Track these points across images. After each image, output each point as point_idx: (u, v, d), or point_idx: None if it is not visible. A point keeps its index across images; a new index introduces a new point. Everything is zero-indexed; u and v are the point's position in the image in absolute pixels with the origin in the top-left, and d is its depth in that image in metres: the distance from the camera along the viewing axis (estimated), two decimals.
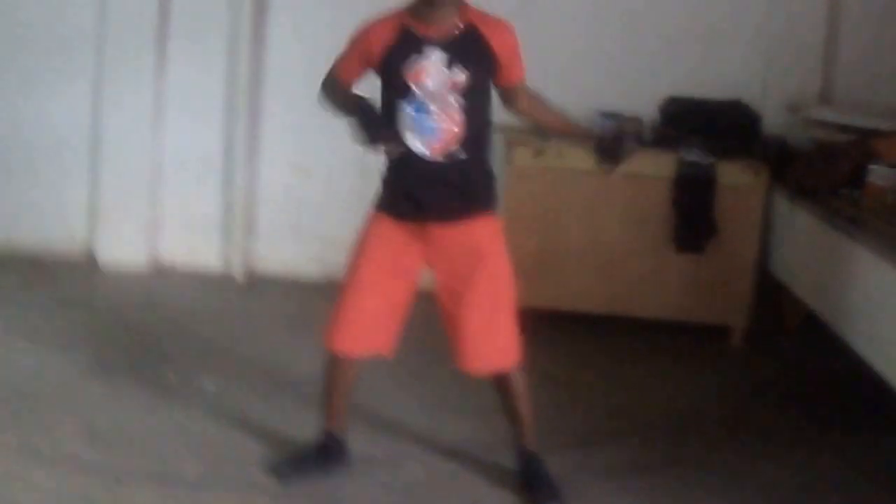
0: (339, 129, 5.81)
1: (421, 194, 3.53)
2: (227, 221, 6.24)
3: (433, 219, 3.56)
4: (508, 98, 3.68)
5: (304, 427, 3.98)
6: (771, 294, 5.55)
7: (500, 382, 3.75)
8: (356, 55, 3.56)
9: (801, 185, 5.08)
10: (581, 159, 5.04)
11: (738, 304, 5.49)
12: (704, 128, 5.45)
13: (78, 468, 3.74)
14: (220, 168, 6.18)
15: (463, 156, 3.50)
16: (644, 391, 4.90)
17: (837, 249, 4.52)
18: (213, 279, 6.19)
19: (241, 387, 4.55)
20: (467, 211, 3.59)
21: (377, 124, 3.50)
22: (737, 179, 5.36)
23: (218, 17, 6.00)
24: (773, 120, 5.73)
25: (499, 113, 3.69)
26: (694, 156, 5.33)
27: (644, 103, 5.75)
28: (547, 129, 4.00)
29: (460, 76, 3.44)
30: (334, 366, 3.75)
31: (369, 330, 3.66)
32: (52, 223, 6.28)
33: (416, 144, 3.48)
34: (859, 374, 4.28)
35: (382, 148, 3.55)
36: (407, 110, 3.46)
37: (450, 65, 3.44)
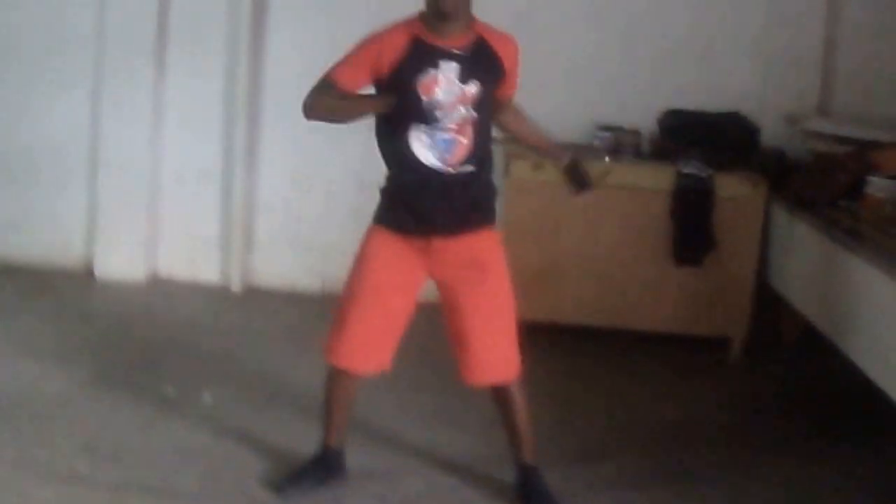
0: (338, 142, 5.93)
1: (427, 207, 3.51)
2: (225, 233, 6.23)
3: (437, 232, 3.55)
4: (496, 110, 3.67)
5: (303, 440, 3.97)
6: (770, 306, 5.54)
7: (501, 395, 3.74)
8: (363, 63, 3.47)
9: (800, 197, 5.07)
10: None
11: (737, 316, 5.48)
12: (703, 140, 5.45)
13: (76, 481, 3.72)
14: (219, 180, 6.19)
15: (471, 168, 3.50)
16: (643, 404, 4.89)
17: (836, 261, 4.51)
18: (211, 291, 6.18)
19: (239, 399, 4.54)
20: (471, 224, 3.59)
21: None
22: (735, 191, 5.36)
23: (216, 31, 6.01)
24: (772, 132, 5.73)
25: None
26: (692, 168, 5.33)
27: (643, 116, 5.76)
28: (523, 142, 3.97)
29: (473, 89, 3.44)
30: (335, 380, 3.73)
31: (373, 346, 3.65)
32: (50, 235, 6.28)
33: (429, 157, 3.46)
34: (858, 385, 4.27)
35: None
36: (419, 123, 3.44)
37: (463, 77, 3.43)
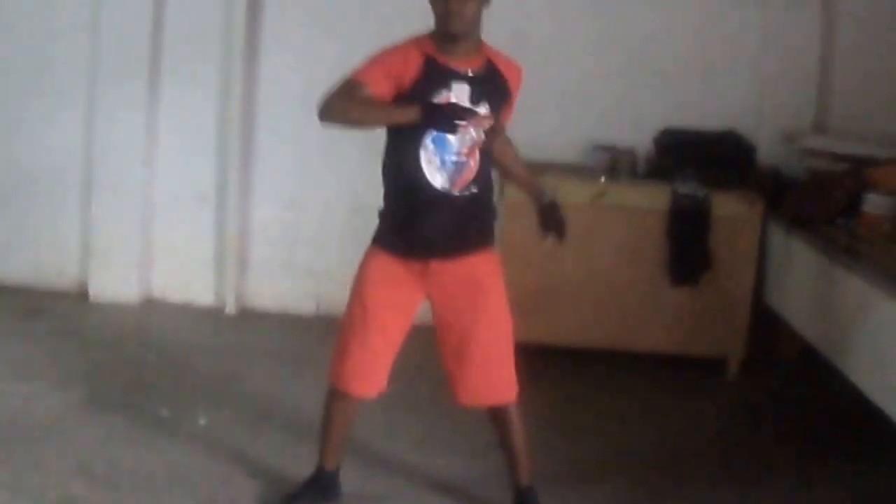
0: (332, 164, 5.93)
1: (429, 229, 3.49)
2: (219, 255, 6.21)
3: (437, 255, 3.53)
4: None
5: (297, 462, 3.95)
6: (767, 325, 5.52)
7: (498, 416, 3.72)
8: (390, 71, 3.37)
9: (797, 215, 5.07)
10: (575, 193, 5.04)
11: (735, 335, 5.47)
12: (699, 159, 5.44)
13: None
14: (213, 202, 6.17)
15: (474, 190, 3.49)
16: (641, 424, 4.87)
17: (833, 279, 4.50)
18: (206, 313, 6.16)
19: (234, 421, 4.52)
20: (471, 246, 3.57)
21: (453, 108, 3.33)
22: (732, 210, 5.35)
23: (210, 53, 6.00)
24: (768, 150, 5.74)
25: None
26: (688, 188, 5.32)
27: (639, 135, 5.75)
28: (506, 173, 3.85)
29: (483, 111, 3.42)
30: (336, 402, 3.71)
31: (376, 369, 3.63)
32: (44, 256, 6.26)
33: (437, 179, 3.43)
34: (856, 404, 4.25)
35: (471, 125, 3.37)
36: (428, 143, 3.41)
37: (474, 100, 3.41)
